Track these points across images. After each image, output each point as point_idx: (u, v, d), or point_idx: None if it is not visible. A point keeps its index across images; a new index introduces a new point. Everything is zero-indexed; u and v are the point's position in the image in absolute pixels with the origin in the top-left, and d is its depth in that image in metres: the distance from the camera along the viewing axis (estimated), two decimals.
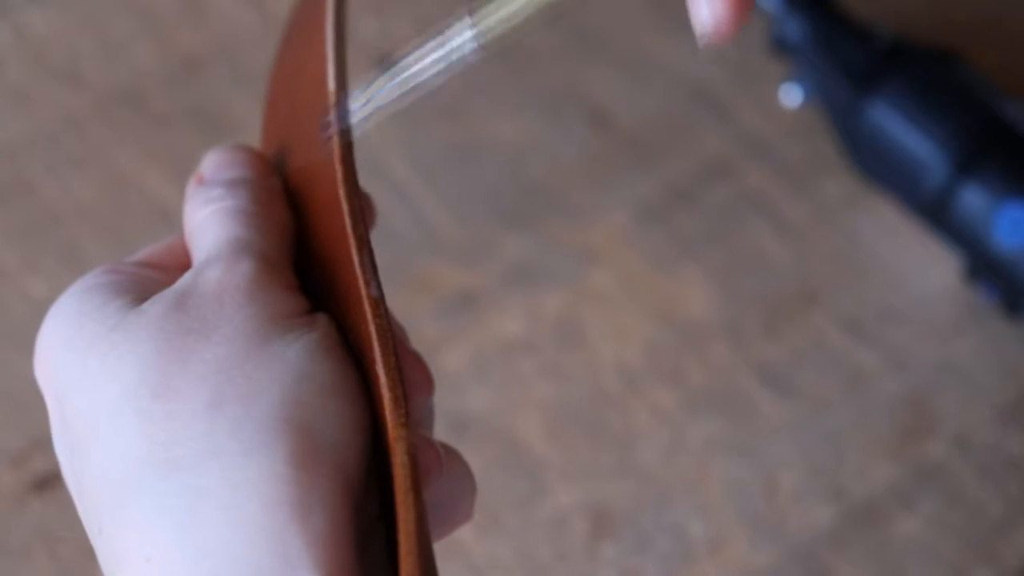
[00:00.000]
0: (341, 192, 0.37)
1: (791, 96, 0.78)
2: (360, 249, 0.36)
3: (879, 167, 0.75)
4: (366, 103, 0.36)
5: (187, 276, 0.37)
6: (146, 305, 0.36)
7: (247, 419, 0.34)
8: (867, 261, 0.75)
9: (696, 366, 0.71)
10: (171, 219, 0.73)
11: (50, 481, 0.66)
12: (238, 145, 0.43)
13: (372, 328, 0.35)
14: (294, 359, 0.35)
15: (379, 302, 0.36)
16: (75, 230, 0.74)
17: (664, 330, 0.72)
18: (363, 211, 0.37)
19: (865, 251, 0.76)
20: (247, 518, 0.33)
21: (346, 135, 0.37)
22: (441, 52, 0.35)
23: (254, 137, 0.46)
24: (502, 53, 0.82)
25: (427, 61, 0.35)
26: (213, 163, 0.42)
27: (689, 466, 0.68)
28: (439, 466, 0.37)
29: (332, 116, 0.37)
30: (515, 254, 0.74)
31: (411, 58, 0.36)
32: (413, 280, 0.73)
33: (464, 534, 0.64)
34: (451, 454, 0.40)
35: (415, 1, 0.83)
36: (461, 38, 0.35)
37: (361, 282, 0.36)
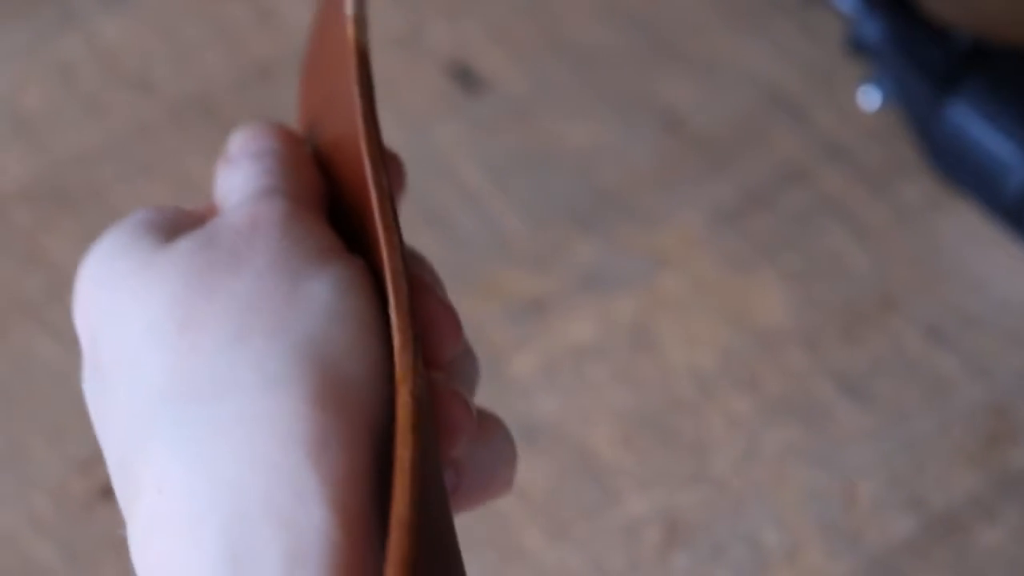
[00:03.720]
0: (362, 144, 0.37)
1: (869, 98, 0.76)
2: (380, 197, 0.36)
3: (960, 169, 0.73)
4: None
5: (218, 217, 0.37)
6: (178, 241, 0.36)
7: (271, 353, 0.33)
8: (948, 266, 0.74)
9: (771, 372, 0.70)
10: None
11: None
12: (263, 121, 0.42)
13: (388, 272, 0.35)
14: (325, 295, 0.34)
15: (396, 247, 0.35)
16: None
17: (738, 336, 0.71)
18: (386, 165, 0.37)
19: (946, 256, 0.74)
20: (260, 453, 0.32)
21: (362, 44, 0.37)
22: None
23: None
24: (573, 56, 0.80)
25: None
26: (238, 141, 0.41)
27: (764, 474, 0.67)
28: (470, 424, 0.36)
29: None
30: (586, 259, 0.73)
31: None
32: (482, 286, 0.72)
33: (534, 542, 0.63)
34: (489, 418, 0.39)
35: (489, 5, 0.82)
36: None
37: (380, 227, 0.36)
